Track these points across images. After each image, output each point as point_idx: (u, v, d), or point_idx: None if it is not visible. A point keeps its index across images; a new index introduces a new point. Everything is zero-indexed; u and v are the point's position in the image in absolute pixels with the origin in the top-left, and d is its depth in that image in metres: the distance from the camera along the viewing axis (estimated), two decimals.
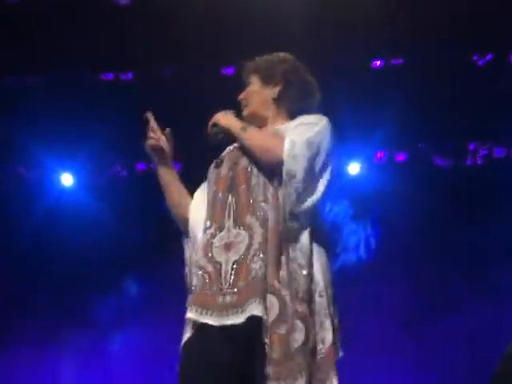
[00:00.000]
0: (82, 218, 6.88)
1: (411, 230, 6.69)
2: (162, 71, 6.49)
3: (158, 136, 2.88)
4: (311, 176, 2.52)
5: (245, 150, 2.63)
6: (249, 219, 2.50)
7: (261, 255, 2.41)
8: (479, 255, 6.65)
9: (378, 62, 6.40)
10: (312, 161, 2.52)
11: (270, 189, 2.52)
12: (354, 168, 6.87)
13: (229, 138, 2.73)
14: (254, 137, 2.63)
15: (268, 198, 2.51)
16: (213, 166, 2.77)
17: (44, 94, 6.43)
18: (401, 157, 7.00)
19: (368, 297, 6.58)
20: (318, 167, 2.54)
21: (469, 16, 5.69)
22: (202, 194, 2.78)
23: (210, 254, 2.51)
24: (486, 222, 6.55)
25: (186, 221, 2.76)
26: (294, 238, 2.48)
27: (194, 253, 2.62)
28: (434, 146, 6.88)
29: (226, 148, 2.80)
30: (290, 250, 2.46)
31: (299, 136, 2.54)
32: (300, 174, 2.48)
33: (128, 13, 5.79)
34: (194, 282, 2.50)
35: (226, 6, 5.69)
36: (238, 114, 2.80)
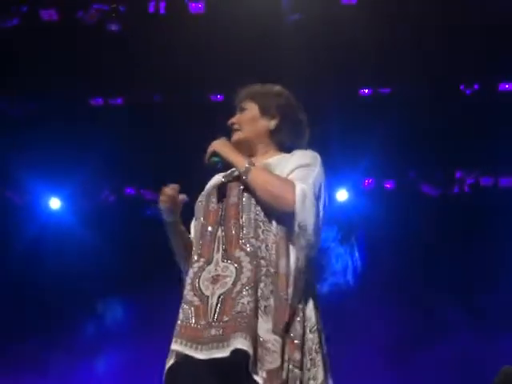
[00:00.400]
0: (70, 242, 6.89)
1: (398, 256, 6.71)
2: (151, 97, 6.52)
3: (172, 197, 2.69)
4: (318, 225, 2.53)
5: (243, 184, 2.59)
6: (238, 253, 2.47)
7: (249, 291, 2.37)
8: (465, 282, 6.68)
9: (366, 91, 6.45)
10: (318, 208, 2.53)
11: (262, 226, 2.51)
12: (342, 195, 6.91)
13: (227, 168, 2.69)
14: (260, 179, 2.55)
15: (259, 235, 2.49)
16: (201, 198, 2.73)
17: (33, 120, 6.45)
18: (388, 184, 7.03)
19: (353, 322, 6.58)
20: (320, 212, 2.55)
21: (456, 46, 5.76)
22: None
23: (197, 288, 2.47)
24: (473, 249, 6.59)
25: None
26: (297, 286, 2.48)
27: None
28: (422, 174, 6.92)
29: (212, 176, 2.78)
30: (293, 297, 2.45)
31: (306, 182, 2.52)
32: (311, 227, 2.48)
33: (118, 39, 5.82)
34: (181, 316, 2.46)
35: (215, 34, 5.73)
36: (229, 140, 2.76)
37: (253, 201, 2.56)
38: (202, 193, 2.76)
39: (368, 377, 6.48)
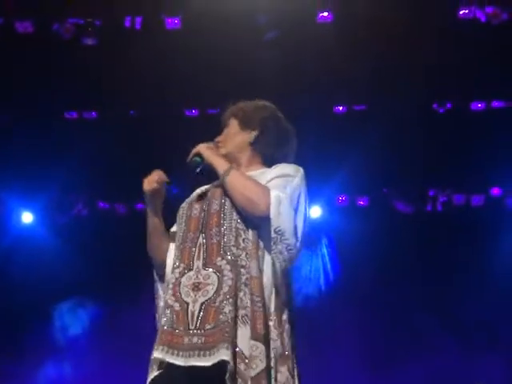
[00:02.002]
0: (42, 256, 6.86)
1: (371, 273, 6.74)
2: (125, 111, 6.50)
3: (161, 183, 2.76)
4: (296, 231, 2.53)
5: (225, 191, 2.62)
6: (219, 261, 2.50)
7: (230, 300, 2.41)
8: (438, 298, 6.72)
9: (341, 108, 6.48)
10: (295, 216, 2.54)
11: (242, 234, 2.54)
12: (315, 211, 6.94)
13: (208, 171, 2.71)
14: (236, 182, 2.59)
15: (240, 244, 2.52)
16: (184, 204, 2.77)
17: (6, 132, 6.40)
18: (362, 201, 7.07)
19: (327, 337, 6.59)
20: (299, 221, 2.55)
21: (429, 65, 5.81)
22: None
23: (178, 293, 2.50)
24: (445, 266, 6.65)
25: (163, 264, 2.73)
26: (280, 294, 2.51)
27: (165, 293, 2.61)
28: (395, 192, 6.96)
29: (195, 181, 2.80)
30: (276, 305, 2.47)
31: (282, 191, 2.54)
32: (288, 232, 2.49)
33: (93, 53, 5.81)
34: (163, 321, 2.49)
35: (191, 49, 5.75)
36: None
37: (235, 209, 2.58)
38: (186, 199, 2.80)
39: None
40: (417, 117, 6.33)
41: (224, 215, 2.59)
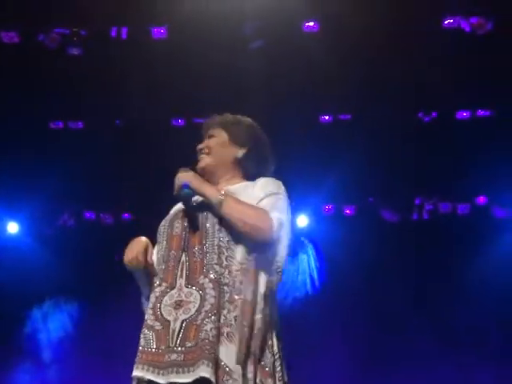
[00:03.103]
0: (28, 266, 6.83)
1: (358, 281, 6.75)
2: (111, 121, 6.49)
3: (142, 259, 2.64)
4: (288, 250, 2.59)
5: (205, 209, 2.60)
6: (202, 280, 2.50)
7: (212, 317, 2.40)
8: (426, 307, 6.74)
9: (327, 117, 6.50)
10: (288, 236, 2.59)
11: (225, 252, 2.53)
12: (302, 220, 6.95)
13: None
14: (235, 211, 2.56)
15: (222, 262, 2.51)
16: (164, 222, 2.75)
17: None
18: (349, 210, 7.08)
19: (315, 344, 6.60)
20: (289, 239, 2.61)
21: (414, 74, 5.84)
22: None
23: (158, 313, 2.50)
24: (431, 275, 6.66)
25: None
26: (266, 312, 2.51)
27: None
28: (382, 200, 6.98)
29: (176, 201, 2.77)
30: (261, 323, 2.47)
31: (281, 212, 2.59)
32: (282, 253, 2.56)
33: (79, 62, 5.79)
34: (142, 341, 2.48)
35: (178, 59, 5.75)
36: (193, 169, 2.76)
37: (216, 227, 2.58)
38: (166, 217, 2.78)
39: None
40: (403, 126, 6.35)
41: (206, 233, 2.58)
